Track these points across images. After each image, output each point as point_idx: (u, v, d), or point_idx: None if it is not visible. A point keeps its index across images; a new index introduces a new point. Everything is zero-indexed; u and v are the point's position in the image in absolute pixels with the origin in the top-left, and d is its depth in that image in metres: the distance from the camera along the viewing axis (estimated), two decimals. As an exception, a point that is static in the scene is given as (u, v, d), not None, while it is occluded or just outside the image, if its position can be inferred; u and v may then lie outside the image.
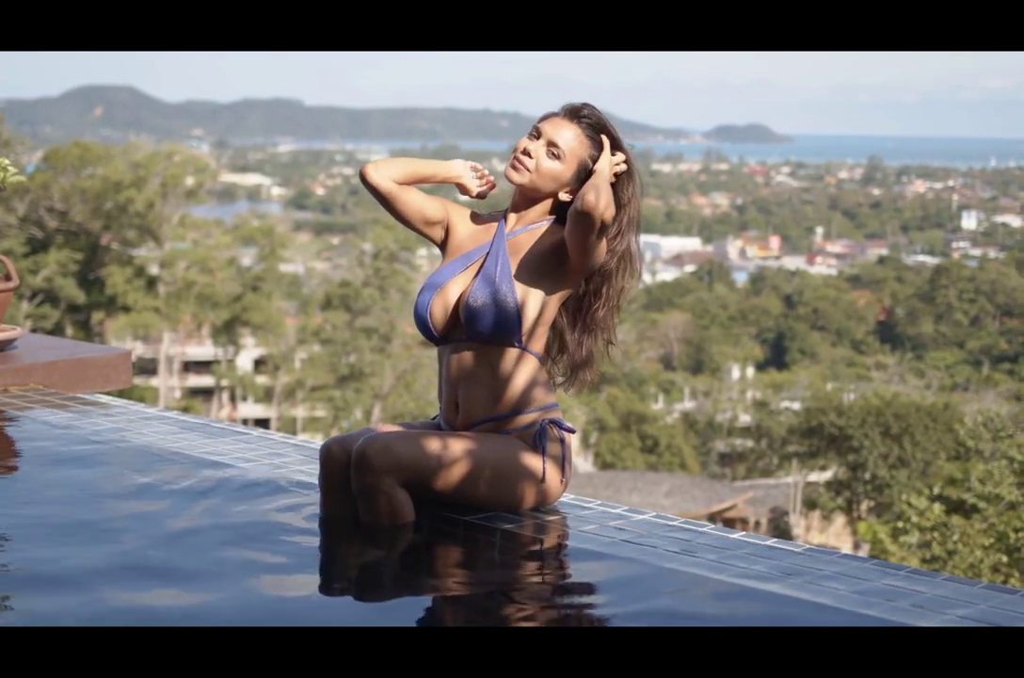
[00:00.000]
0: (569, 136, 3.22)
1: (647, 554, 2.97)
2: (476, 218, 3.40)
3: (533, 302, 3.18)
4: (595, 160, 3.22)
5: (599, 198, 3.02)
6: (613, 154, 3.22)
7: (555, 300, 3.23)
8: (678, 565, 2.89)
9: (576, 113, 3.25)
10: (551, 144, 3.21)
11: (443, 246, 3.39)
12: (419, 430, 3.26)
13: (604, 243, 3.16)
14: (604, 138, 3.23)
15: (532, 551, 3.05)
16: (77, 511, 3.31)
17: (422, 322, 3.26)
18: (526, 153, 3.22)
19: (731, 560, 2.94)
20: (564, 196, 3.26)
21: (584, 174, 3.23)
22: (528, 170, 3.22)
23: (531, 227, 3.29)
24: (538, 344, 3.24)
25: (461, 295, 3.23)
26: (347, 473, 3.15)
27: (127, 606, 2.61)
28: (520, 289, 3.17)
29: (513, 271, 3.19)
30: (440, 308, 3.24)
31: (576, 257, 3.15)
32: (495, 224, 3.34)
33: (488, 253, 3.26)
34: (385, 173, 3.27)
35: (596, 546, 3.03)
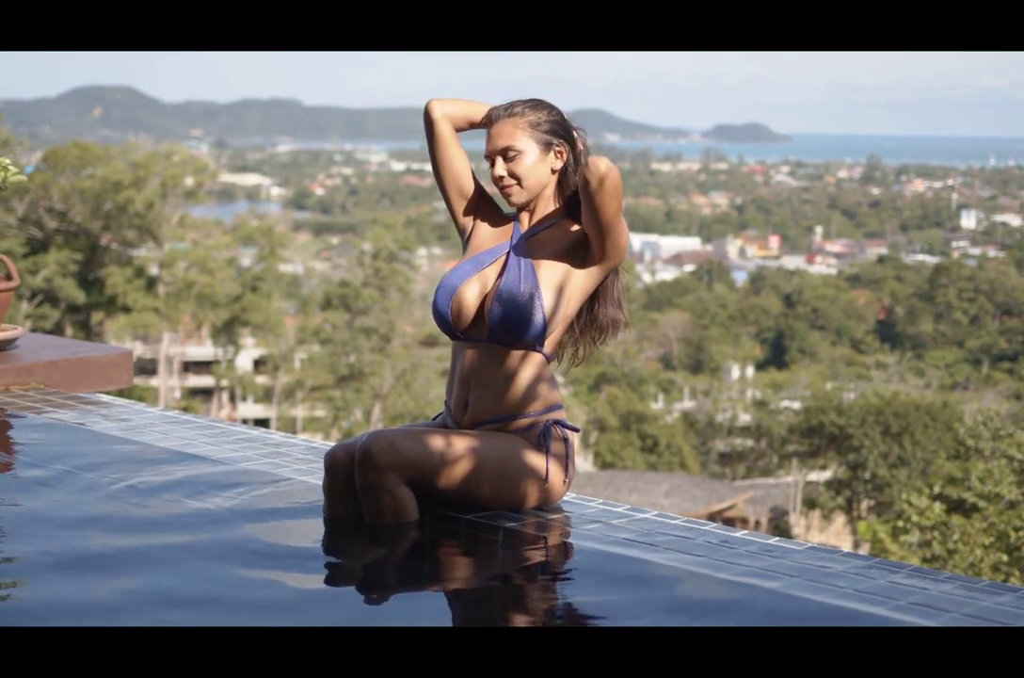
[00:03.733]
0: (505, 131, 3.25)
1: (650, 553, 2.97)
2: (497, 216, 3.40)
3: (557, 305, 3.18)
4: (540, 122, 3.24)
5: (597, 159, 3.04)
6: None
7: (577, 300, 3.23)
8: (681, 564, 2.89)
9: (500, 112, 3.28)
10: (503, 152, 3.24)
11: (466, 237, 3.39)
12: (423, 428, 3.25)
13: (624, 222, 3.16)
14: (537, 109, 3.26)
15: (535, 550, 3.05)
16: (77, 509, 3.30)
17: (443, 321, 3.26)
18: (501, 178, 3.26)
19: (734, 558, 2.94)
20: (556, 164, 3.27)
21: (547, 134, 3.24)
22: (514, 186, 3.26)
23: (547, 225, 3.29)
24: (551, 345, 3.25)
25: (485, 297, 3.22)
26: (351, 478, 3.15)
27: (124, 603, 2.61)
28: (546, 293, 3.17)
29: (536, 273, 3.19)
30: (458, 308, 3.24)
31: (601, 241, 3.15)
32: (512, 224, 3.35)
33: (509, 254, 3.26)
34: (447, 110, 3.32)
35: (599, 545, 3.02)
